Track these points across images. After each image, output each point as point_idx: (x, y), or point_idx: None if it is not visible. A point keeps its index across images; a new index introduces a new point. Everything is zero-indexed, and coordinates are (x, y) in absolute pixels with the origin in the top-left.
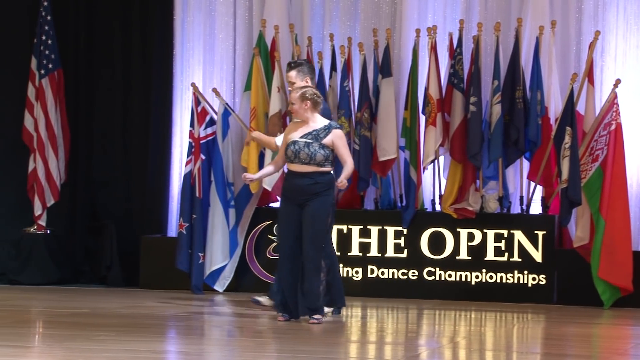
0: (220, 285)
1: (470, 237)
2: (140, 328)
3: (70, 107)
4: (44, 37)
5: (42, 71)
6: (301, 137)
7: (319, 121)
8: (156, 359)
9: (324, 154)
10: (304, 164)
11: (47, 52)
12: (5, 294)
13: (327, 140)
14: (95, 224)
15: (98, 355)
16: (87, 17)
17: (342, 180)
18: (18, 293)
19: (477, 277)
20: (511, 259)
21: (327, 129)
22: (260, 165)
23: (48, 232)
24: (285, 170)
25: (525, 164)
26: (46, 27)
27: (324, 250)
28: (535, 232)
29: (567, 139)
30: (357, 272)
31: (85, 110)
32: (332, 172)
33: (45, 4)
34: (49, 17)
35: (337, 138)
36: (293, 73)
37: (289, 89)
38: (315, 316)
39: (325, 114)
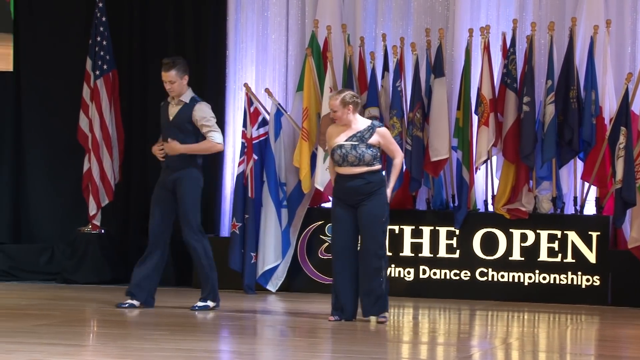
0: (272, 285)
1: (523, 237)
2: (193, 327)
3: (125, 108)
4: (98, 39)
5: (97, 72)
6: (346, 140)
7: (360, 122)
8: (209, 358)
9: (371, 153)
10: (353, 166)
11: (101, 53)
12: (60, 292)
13: (372, 140)
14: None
15: (151, 354)
16: (141, 18)
17: (388, 196)
18: (73, 292)
19: (530, 278)
20: (565, 260)
21: (371, 129)
22: (313, 165)
23: (102, 231)
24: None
25: (579, 165)
26: (101, 29)
27: (382, 249)
28: (589, 232)
29: (622, 139)
30: (408, 273)
31: (139, 111)
32: (382, 170)
33: (100, 5)
34: (103, 19)
35: (381, 137)
36: (173, 72)
37: (168, 87)
38: (383, 314)
39: None
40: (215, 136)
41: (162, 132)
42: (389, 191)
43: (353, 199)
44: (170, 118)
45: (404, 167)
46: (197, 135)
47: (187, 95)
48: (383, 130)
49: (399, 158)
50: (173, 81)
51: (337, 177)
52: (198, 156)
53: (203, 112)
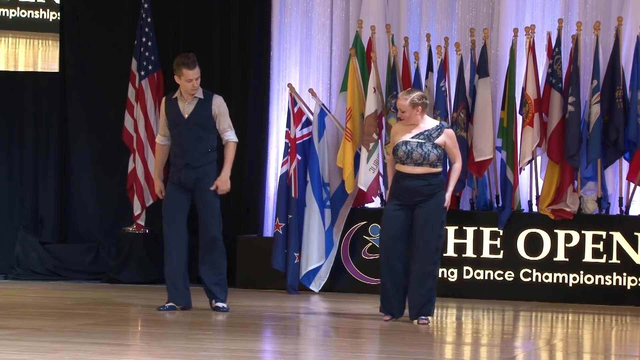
0: (316, 286)
1: (568, 238)
2: (237, 327)
3: None
4: (144, 39)
5: (142, 72)
6: (413, 138)
7: (429, 122)
8: (252, 358)
9: (437, 153)
10: (417, 165)
11: (147, 53)
12: (105, 292)
13: (439, 140)
14: (192, 223)
15: (195, 353)
16: (186, 19)
17: (447, 201)
18: (117, 291)
19: (574, 279)
20: (610, 261)
21: (439, 129)
22: (356, 166)
23: (147, 231)
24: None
25: (625, 165)
26: (146, 29)
27: (437, 253)
28: (635, 233)
29: None
30: (452, 273)
31: None
32: (442, 173)
33: (146, 6)
34: (149, 20)
35: (449, 138)
36: (198, 68)
37: (194, 85)
38: (427, 317)
39: None
40: (233, 135)
41: (174, 130)
42: (448, 195)
43: (412, 199)
44: (186, 115)
45: (446, 167)
46: (215, 130)
47: (200, 90)
48: (451, 131)
49: (459, 162)
50: (199, 77)
51: (397, 175)
52: (216, 151)
53: (224, 107)
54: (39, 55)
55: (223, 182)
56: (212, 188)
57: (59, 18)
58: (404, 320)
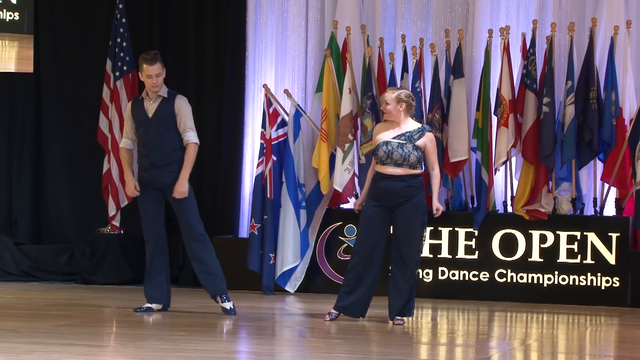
0: (291, 286)
1: (543, 239)
2: (212, 328)
3: None
4: (119, 40)
5: (117, 73)
6: (394, 138)
7: (411, 124)
8: (227, 359)
9: (417, 155)
10: (397, 166)
11: (121, 54)
12: (79, 293)
13: (420, 142)
14: (167, 224)
15: (170, 354)
16: (161, 20)
17: (438, 206)
18: (92, 292)
19: (549, 279)
20: (584, 261)
21: (421, 131)
22: (332, 166)
23: (121, 232)
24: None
25: (599, 165)
26: (121, 30)
27: (418, 255)
28: (609, 234)
29: None
30: (427, 274)
31: None
32: (422, 175)
33: (120, 6)
34: (123, 20)
35: (429, 141)
36: (159, 64)
37: (154, 82)
38: (403, 317)
39: None
40: (193, 136)
41: (140, 129)
42: (435, 200)
43: (392, 201)
44: (150, 114)
45: (423, 169)
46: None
47: (164, 89)
48: (432, 135)
49: (437, 169)
50: (159, 74)
51: (376, 176)
52: (181, 150)
53: (187, 107)
54: (4, 56)
55: (179, 185)
56: (173, 195)
57: (17, 18)
58: (379, 320)
